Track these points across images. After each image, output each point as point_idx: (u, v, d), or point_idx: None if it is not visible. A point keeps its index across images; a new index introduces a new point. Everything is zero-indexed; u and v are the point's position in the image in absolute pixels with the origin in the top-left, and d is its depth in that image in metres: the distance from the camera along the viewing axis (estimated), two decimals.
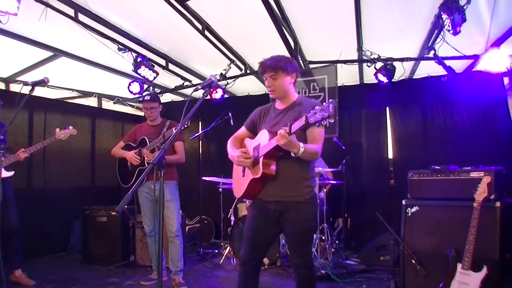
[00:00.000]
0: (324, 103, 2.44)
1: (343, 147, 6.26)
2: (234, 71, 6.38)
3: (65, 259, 6.44)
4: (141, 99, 5.74)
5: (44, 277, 5.16)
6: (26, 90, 3.45)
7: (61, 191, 6.86)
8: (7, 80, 6.51)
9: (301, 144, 2.69)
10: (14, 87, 6.54)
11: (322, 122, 2.47)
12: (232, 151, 3.19)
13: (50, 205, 6.57)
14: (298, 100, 3.10)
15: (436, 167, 4.27)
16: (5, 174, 4.60)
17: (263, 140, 2.94)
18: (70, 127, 4.86)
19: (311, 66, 6.39)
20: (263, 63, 3.04)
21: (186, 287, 4.68)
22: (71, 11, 4.63)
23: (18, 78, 6.49)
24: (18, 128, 6.20)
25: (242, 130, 3.37)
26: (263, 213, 3.06)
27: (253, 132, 3.27)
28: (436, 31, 4.86)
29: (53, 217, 6.58)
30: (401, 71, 5.84)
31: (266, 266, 5.40)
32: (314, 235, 5.49)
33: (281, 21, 4.76)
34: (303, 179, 3.00)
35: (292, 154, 2.72)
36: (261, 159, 2.90)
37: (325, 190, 5.87)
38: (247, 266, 3.12)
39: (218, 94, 6.80)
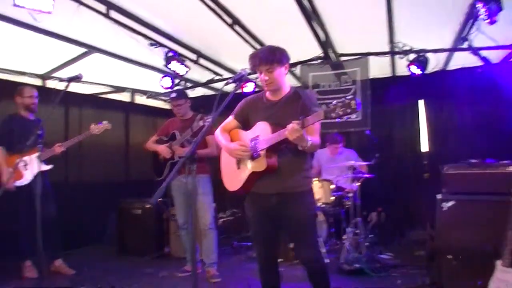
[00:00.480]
0: (343, 98, 2.40)
1: (376, 140, 6.16)
2: None
3: (101, 251, 6.59)
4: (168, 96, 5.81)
5: (81, 268, 5.29)
6: (61, 86, 3.54)
7: (96, 184, 7.04)
8: (43, 77, 6.69)
9: (309, 138, 2.66)
10: (50, 83, 6.72)
11: (343, 118, 2.44)
12: (227, 143, 3.11)
13: (86, 198, 6.74)
14: (292, 92, 3.05)
15: (472, 160, 4.15)
16: (44, 167, 4.75)
17: (264, 132, 2.88)
18: (105, 122, 4.95)
19: (342, 58, 6.32)
20: (257, 56, 2.96)
21: (220, 279, 4.71)
22: (103, 8, 4.70)
23: (54, 75, 6.66)
24: (54, 123, 6.36)
25: (230, 120, 3.24)
26: (261, 209, 3.03)
27: (243, 123, 3.18)
28: (470, 21, 4.72)
29: (89, 209, 6.73)
30: (435, 63, 5.73)
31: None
32: (348, 228, 5.45)
33: (311, 14, 4.71)
34: (303, 170, 2.99)
35: (300, 148, 2.69)
36: (263, 152, 2.85)
37: (358, 183, 5.80)
38: (266, 263, 3.14)
39: (249, 88, 6.80)
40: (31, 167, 4.71)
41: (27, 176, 4.76)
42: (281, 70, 2.96)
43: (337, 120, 2.50)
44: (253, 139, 2.95)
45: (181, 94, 5.10)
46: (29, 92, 5.01)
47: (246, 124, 3.14)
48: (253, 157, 2.92)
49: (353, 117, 6.63)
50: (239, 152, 2.95)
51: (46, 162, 4.81)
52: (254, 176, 2.94)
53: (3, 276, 4.92)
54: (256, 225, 3.11)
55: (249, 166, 2.95)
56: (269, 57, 2.90)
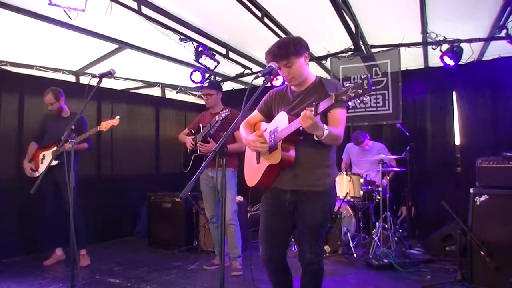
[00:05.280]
0: (355, 80, 2.26)
1: (407, 133, 6.08)
2: None
3: (132, 243, 6.73)
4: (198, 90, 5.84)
5: (113, 260, 5.45)
6: (94, 82, 3.60)
7: (128, 178, 7.17)
8: (77, 73, 6.87)
9: (325, 126, 2.45)
10: (83, 80, 6.90)
11: (357, 99, 2.25)
12: (247, 136, 2.92)
13: (118, 191, 6.89)
14: (318, 81, 2.83)
15: (507, 153, 4.04)
16: (52, 163, 4.86)
17: (282, 123, 2.69)
18: (117, 117, 4.86)
19: (373, 50, 6.25)
20: (271, 52, 2.71)
21: (241, 273, 4.75)
22: (134, 4, 4.77)
23: (87, 71, 6.84)
24: (87, 118, 6.45)
25: (255, 114, 3.08)
26: (277, 204, 2.84)
27: (267, 116, 3.01)
28: (508, 8, 4.58)
29: (120, 203, 6.90)
30: (469, 53, 5.58)
31: (327, 254, 5.37)
32: (377, 223, 5.40)
33: (341, 5, 4.65)
34: (324, 167, 2.78)
35: (315, 138, 2.50)
36: (279, 143, 2.66)
37: (388, 177, 5.73)
38: (272, 266, 2.92)
39: (278, 81, 6.79)
40: (46, 161, 5.02)
41: (40, 170, 5.08)
42: (300, 61, 2.73)
43: (349, 102, 2.32)
44: (273, 131, 2.78)
45: (214, 84, 5.11)
46: (47, 100, 5.12)
47: (270, 117, 2.96)
48: (271, 150, 2.75)
49: (384, 109, 6.56)
50: (256, 144, 2.76)
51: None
52: (271, 170, 2.77)
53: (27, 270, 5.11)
54: (267, 221, 2.90)
55: (267, 159, 2.79)
56: (283, 51, 2.67)
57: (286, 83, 2.92)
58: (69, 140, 4.82)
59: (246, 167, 3.12)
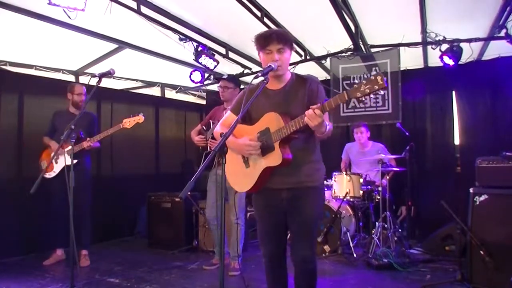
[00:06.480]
0: (368, 75, 2.25)
1: (407, 133, 6.08)
2: (293, 57, 6.30)
3: (132, 243, 6.73)
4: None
5: (113, 260, 5.45)
6: (93, 81, 3.59)
7: (127, 178, 7.17)
8: (77, 73, 6.87)
9: (326, 122, 2.49)
10: (83, 79, 6.90)
11: (370, 96, 2.27)
12: (234, 139, 2.78)
13: (118, 191, 6.87)
14: (295, 77, 2.81)
15: (507, 153, 4.04)
16: (68, 162, 4.86)
17: (274, 123, 2.64)
18: (140, 114, 4.91)
19: (373, 50, 6.24)
20: (271, 33, 2.67)
21: (239, 273, 4.71)
22: (133, 4, 4.77)
23: (86, 71, 6.84)
24: None
25: (229, 115, 2.97)
26: (273, 204, 2.83)
27: (243, 117, 2.73)
28: (508, 8, 4.58)
29: (120, 203, 6.89)
30: (469, 53, 5.57)
31: (327, 254, 5.38)
32: (377, 222, 5.39)
33: (340, 5, 4.65)
34: (314, 162, 2.81)
35: (319, 134, 2.55)
36: (276, 144, 2.63)
37: (387, 177, 5.73)
38: (273, 264, 2.94)
39: None
40: (60, 160, 4.92)
41: (55, 169, 5.00)
42: (289, 54, 2.75)
43: (364, 99, 2.36)
44: (262, 132, 2.73)
45: (233, 78, 5.02)
46: (79, 89, 5.21)
47: (246, 118, 2.84)
48: (264, 152, 2.70)
49: (384, 109, 6.57)
50: (250, 148, 2.70)
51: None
52: (267, 172, 2.72)
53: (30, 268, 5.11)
54: (267, 222, 2.91)
55: (262, 162, 2.72)
56: (282, 36, 2.68)
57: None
58: (87, 139, 4.86)
59: (230, 172, 2.99)
